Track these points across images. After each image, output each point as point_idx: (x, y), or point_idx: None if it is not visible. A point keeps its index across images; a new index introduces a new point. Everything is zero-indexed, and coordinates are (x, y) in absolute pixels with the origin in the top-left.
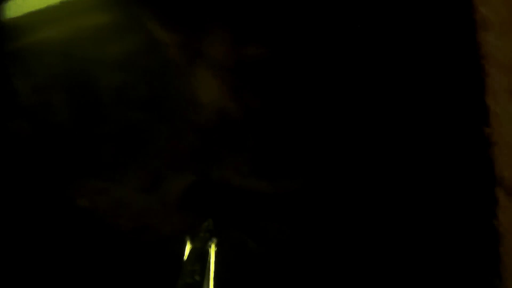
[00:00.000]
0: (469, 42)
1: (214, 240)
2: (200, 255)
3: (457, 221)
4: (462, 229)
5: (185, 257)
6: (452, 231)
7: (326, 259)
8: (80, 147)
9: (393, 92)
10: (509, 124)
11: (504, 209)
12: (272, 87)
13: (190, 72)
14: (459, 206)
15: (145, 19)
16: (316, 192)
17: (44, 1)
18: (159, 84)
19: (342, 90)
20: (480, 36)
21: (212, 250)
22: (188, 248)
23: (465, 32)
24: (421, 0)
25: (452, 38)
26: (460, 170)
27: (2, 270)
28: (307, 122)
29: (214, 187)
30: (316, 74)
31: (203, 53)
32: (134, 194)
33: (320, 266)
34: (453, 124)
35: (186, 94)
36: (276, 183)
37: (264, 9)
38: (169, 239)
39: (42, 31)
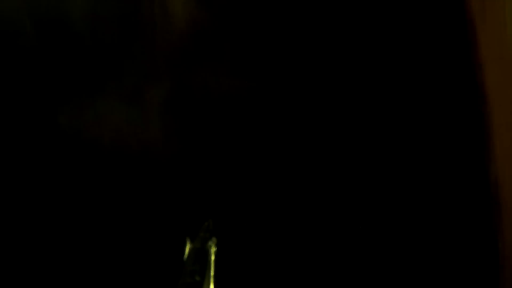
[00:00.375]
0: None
1: (214, 240)
2: (200, 255)
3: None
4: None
5: (185, 257)
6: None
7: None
8: (55, 67)
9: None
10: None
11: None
12: None
13: None
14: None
15: None
16: (295, 88)
17: None
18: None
19: None
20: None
21: (212, 250)
22: (188, 248)
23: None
24: None
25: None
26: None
27: None
28: (282, 19)
29: (194, 91)
30: None
31: None
32: (114, 107)
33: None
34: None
35: (157, 6)
36: (255, 82)
37: None
38: (152, 147)
39: None
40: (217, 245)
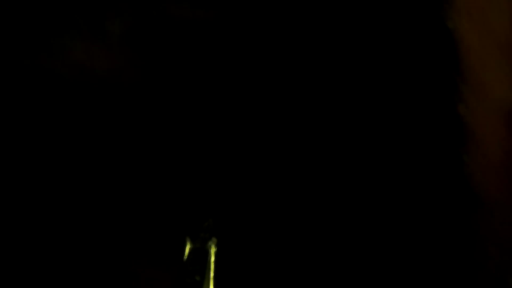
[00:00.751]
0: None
1: (214, 240)
2: (200, 255)
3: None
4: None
5: (185, 257)
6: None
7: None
8: (17, 9)
9: None
10: None
11: None
12: None
13: None
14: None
15: None
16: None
17: None
18: None
19: None
20: None
21: (212, 250)
22: (188, 248)
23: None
24: None
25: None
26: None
27: None
28: None
29: (155, 23)
30: None
31: None
32: (76, 42)
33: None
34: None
35: None
36: (216, 10)
37: None
38: (111, 76)
39: None
40: (217, 245)
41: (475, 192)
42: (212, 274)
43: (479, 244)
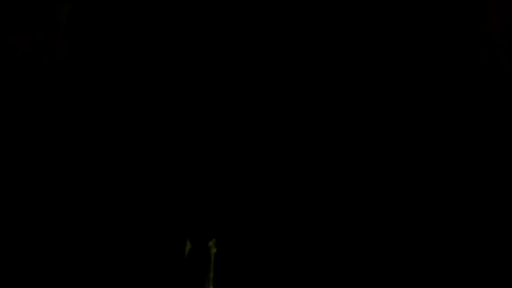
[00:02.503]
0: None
1: (214, 240)
2: (200, 255)
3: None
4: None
5: (185, 257)
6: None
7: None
8: None
9: None
10: None
11: None
12: None
13: None
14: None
15: None
16: None
17: None
18: None
19: None
20: None
21: (212, 251)
22: (188, 248)
23: None
24: None
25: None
26: None
27: None
28: None
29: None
30: None
31: None
32: (22, 34)
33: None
34: None
35: None
36: None
37: None
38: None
39: None
40: (217, 245)
41: None
42: (212, 274)
43: None
